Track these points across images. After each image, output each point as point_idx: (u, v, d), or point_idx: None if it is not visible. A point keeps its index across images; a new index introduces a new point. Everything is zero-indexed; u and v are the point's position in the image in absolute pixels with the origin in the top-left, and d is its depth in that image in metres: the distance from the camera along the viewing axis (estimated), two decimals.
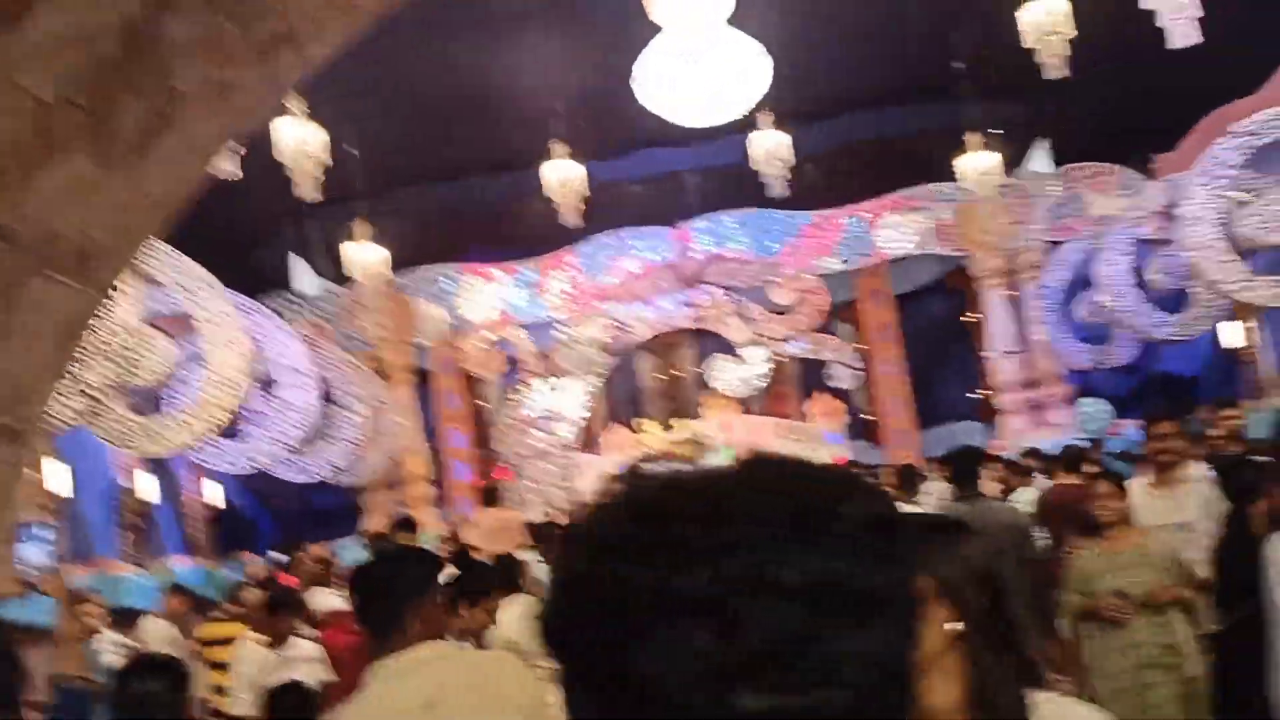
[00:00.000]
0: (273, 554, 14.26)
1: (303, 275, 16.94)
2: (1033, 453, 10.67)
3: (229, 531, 14.18)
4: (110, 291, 3.41)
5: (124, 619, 7.09)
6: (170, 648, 6.85)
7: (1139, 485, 5.28)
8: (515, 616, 4.42)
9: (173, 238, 8.47)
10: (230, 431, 11.51)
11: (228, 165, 8.35)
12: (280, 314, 15.34)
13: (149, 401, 9.24)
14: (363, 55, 11.64)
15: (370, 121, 13.41)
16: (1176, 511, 5.05)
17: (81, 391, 6.24)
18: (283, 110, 10.63)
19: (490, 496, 8.98)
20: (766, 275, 15.98)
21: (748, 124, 13.98)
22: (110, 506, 12.02)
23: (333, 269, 16.38)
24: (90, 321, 3.25)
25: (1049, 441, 12.68)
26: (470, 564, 6.06)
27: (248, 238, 15.57)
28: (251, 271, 13.83)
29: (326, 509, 15.37)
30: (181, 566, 12.22)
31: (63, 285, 3.08)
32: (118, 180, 3.11)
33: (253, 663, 4.95)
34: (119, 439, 8.27)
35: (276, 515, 15.46)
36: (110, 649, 6.48)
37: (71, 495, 10.54)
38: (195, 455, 10.64)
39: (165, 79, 2.85)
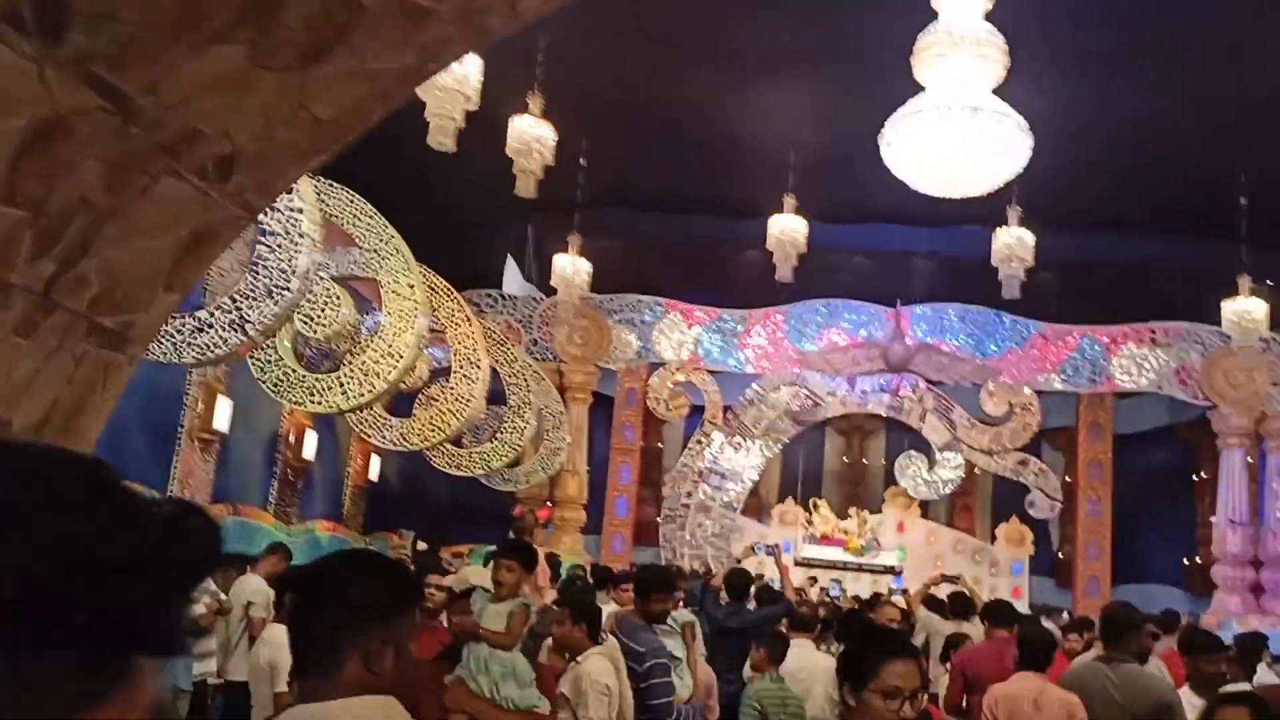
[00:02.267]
0: (421, 543, 14.20)
1: (512, 276, 17.04)
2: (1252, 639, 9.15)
3: (376, 511, 14.20)
4: (251, 213, 3.02)
5: (229, 565, 6.89)
6: (258, 606, 6.59)
7: None
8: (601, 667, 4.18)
9: (386, 210, 8.37)
10: (397, 410, 11.46)
11: (447, 140, 8.18)
12: (479, 307, 15.45)
13: (319, 358, 9.27)
14: (612, 71, 11.46)
15: (605, 139, 13.24)
16: None
17: (244, 327, 6.03)
18: (522, 107, 10.56)
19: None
20: (979, 377, 14.80)
21: (991, 217, 13.03)
22: (270, 456, 12.19)
23: (539, 275, 16.38)
24: (223, 239, 2.87)
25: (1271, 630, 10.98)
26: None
27: (465, 230, 15.72)
28: (462, 262, 13.87)
29: (476, 510, 15.21)
30: (324, 532, 12.23)
31: (196, 190, 2.67)
32: (275, 85, 2.64)
33: (278, 645, 4.47)
34: (276, 386, 8.19)
35: (425, 505, 15.43)
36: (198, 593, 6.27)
37: (227, 432, 10.65)
38: (355, 424, 10.57)
39: None
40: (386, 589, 1.76)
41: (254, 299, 6.23)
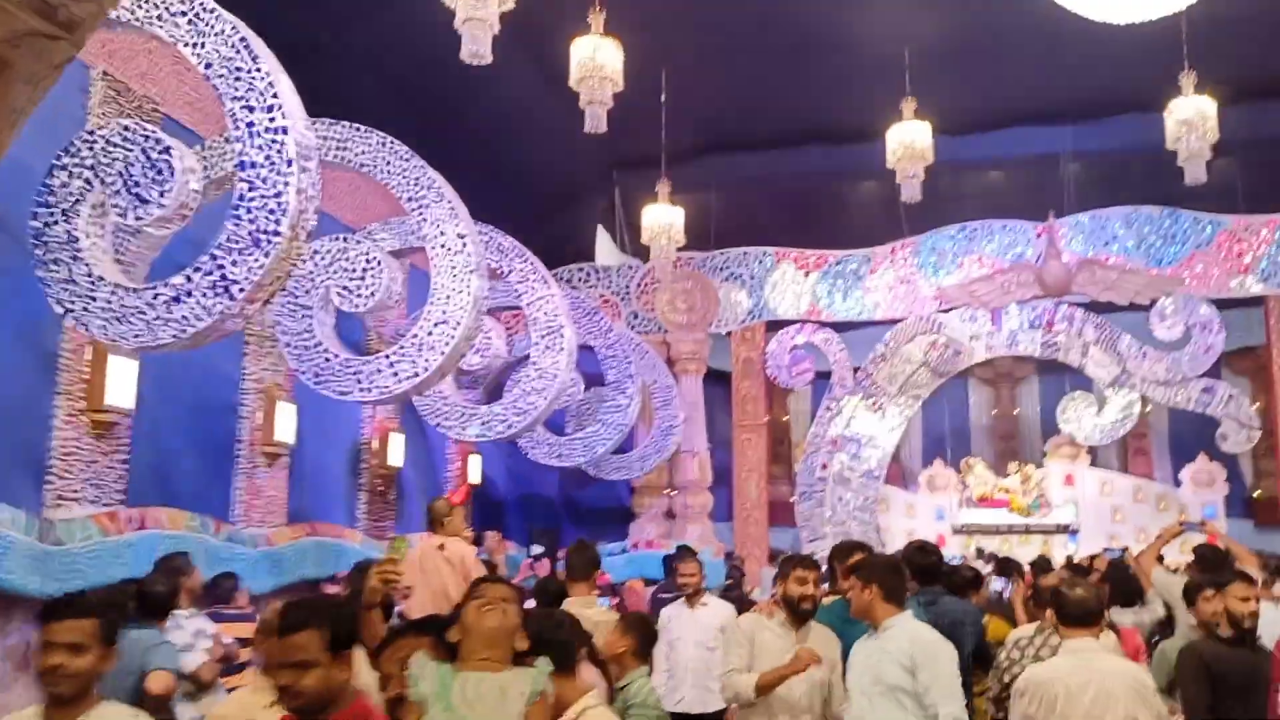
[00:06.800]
0: (535, 547, 12.81)
1: (605, 247, 15.52)
2: None
3: (484, 516, 12.82)
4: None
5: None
6: None
7: None
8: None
9: (460, 188, 6.97)
10: (480, 401, 10.05)
11: (482, 49, 6.64)
12: (570, 284, 13.97)
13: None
14: None
15: (684, 71, 11.58)
16: None
17: (229, 288, 4.60)
18: (584, 27, 8.98)
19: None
20: (1158, 290, 12.57)
21: (1147, 99, 10.90)
22: (354, 467, 10.94)
23: (631, 243, 14.83)
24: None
25: None
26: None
27: (549, 202, 14.29)
28: (549, 238, 12.40)
29: (590, 507, 13.77)
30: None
31: None
32: None
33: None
34: (313, 375, 6.82)
35: (531, 505, 14.02)
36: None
37: (294, 443, 9.38)
38: (430, 416, 9.18)
39: None
40: None
41: (237, 251, 4.80)
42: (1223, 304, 13.76)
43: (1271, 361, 14.38)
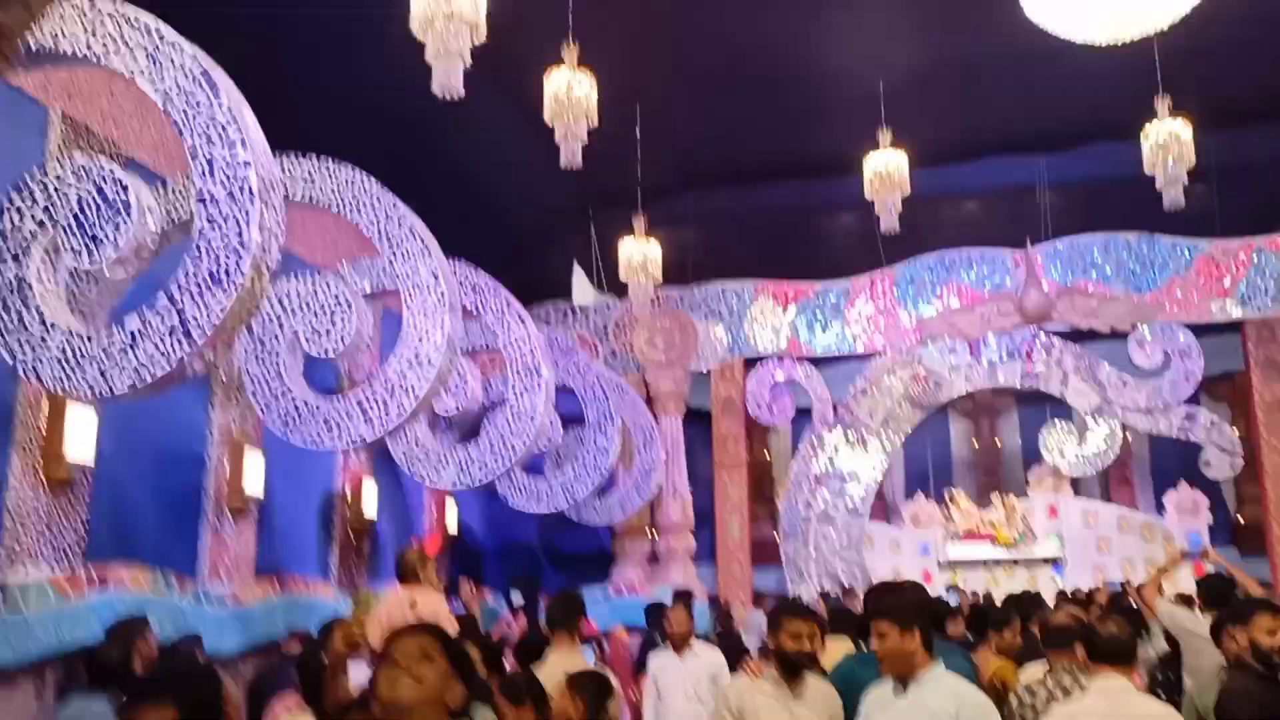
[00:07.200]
0: (515, 595, 12.45)
1: (582, 285, 15.32)
2: None
3: (461, 565, 12.43)
4: None
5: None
6: None
7: None
8: None
9: (435, 227, 6.75)
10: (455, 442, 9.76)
11: (455, 82, 6.44)
12: (546, 323, 13.73)
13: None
14: (655, 14, 9.54)
15: (659, 106, 11.46)
16: None
17: (188, 329, 4.34)
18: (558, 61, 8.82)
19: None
20: (1139, 317, 12.49)
21: (1122, 126, 10.89)
22: (326, 518, 10.58)
23: (608, 281, 14.64)
24: None
25: None
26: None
27: (523, 240, 14.09)
28: (523, 277, 12.17)
29: (571, 552, 13.43)
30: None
31: None
32: None
33: None
34: (286, 423, 6.53)
35: (510, 552, 13.67)
36: None
37: (262, 497, 9.03)
38: (404, 462, 8.88)
39: None
40: None
41: (196, 291, 4.53)
42: (1198, 330, 13.73)
43: (1251, 386, 14.34)
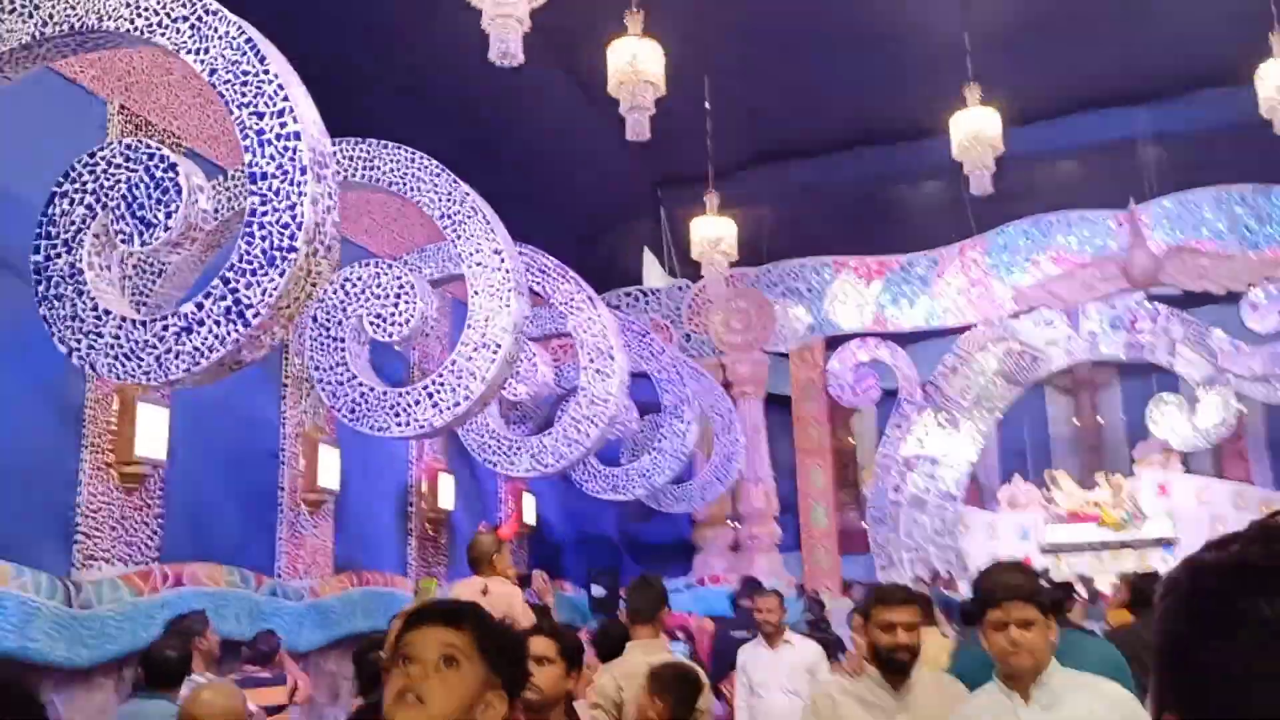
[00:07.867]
0: (596, 588, 12.16)
1: (653, 270, 14.95)
2: None
3: (539, 558, 12.19)
4: None
5: None
6: None
7: None
8: None
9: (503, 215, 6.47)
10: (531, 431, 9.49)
11: (511, 47, 6.11)
12: (618, 309, 13.40)
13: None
14: None
15: (728, 74, 11.03)
16: None
17: (244, 314, 4.09)
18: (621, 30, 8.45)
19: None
20: (1255, 276, 11.65)
21: (1229, 74, 10.14)
22: (402, 511, 10.40)
23: (680, 264, 14.24)
24: None
25: None
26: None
27: (594, 226, 13.78)
28: (595, 265, 11.85)
29: (651, 543, 13.10)
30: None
31: None
32: None
33: None
34: (349, 410, 6.29)
35: (589, 545, 13.37)
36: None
37: (338, 489, 8.87)
38: (476, 451, 8.63)
39: None
40: None
41: (250, 271, 4.28)
42: None
43: None
